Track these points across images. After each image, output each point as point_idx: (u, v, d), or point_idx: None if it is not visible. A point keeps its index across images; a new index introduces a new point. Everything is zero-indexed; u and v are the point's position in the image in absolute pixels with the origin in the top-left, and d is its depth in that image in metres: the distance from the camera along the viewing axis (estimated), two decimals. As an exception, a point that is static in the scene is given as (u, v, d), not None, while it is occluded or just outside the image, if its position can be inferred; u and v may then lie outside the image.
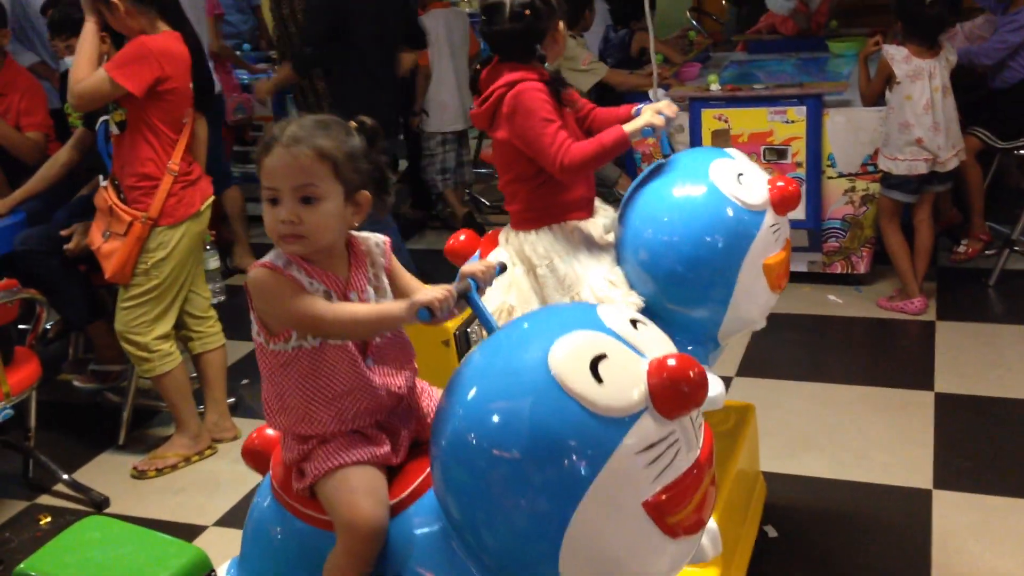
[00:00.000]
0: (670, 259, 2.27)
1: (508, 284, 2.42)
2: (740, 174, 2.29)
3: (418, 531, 1.64)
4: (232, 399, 3.81)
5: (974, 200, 4.64)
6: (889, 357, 4.00)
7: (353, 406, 1.71)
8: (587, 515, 1.41)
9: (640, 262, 2.33)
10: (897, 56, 4.03)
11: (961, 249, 4.75)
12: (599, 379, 1.42)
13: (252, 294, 1.69)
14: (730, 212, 2.24)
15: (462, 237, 2.71)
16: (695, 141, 4.51)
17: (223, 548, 2.05)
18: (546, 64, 2.47)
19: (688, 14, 6.86)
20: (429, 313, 1.57)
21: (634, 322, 1.54)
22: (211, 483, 3.41)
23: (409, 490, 1.69)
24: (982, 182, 4.64)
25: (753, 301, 2.33)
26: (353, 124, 1.71)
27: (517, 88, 2.34)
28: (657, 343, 1.52)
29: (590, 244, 2.42)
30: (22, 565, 1.90)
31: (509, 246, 2.48)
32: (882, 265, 4.53)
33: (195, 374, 3.68)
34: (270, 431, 1.93)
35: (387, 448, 1.72)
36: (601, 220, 2.48)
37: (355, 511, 1.63)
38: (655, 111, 2.37)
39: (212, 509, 3.24)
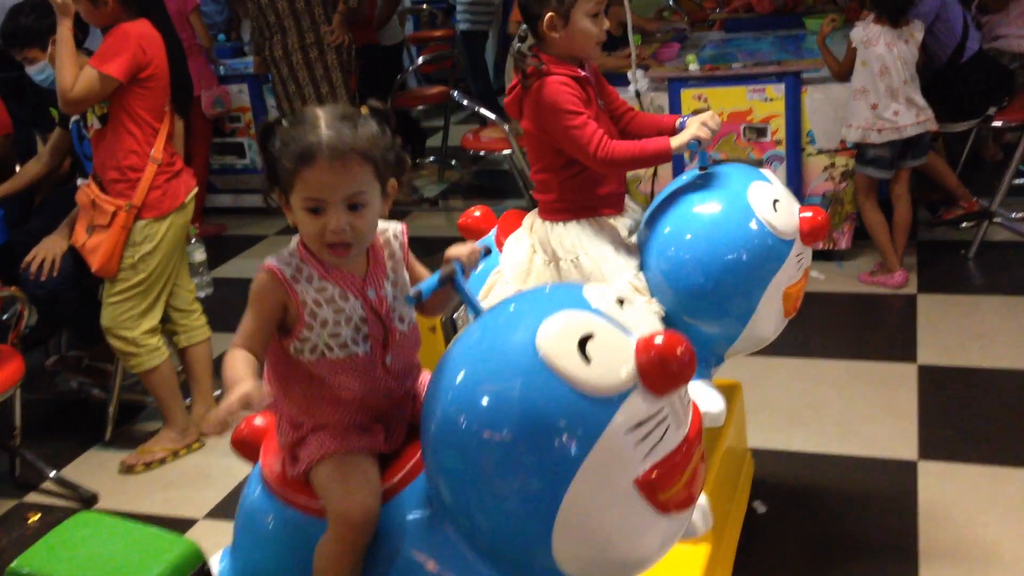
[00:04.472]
0: (697, 274, 2.25)
1: (526, 272, 2.38)
2: (776, 200, 2.27)
3: (411, 515, 1.64)
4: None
5: (944, 177, 4.64)
6: (872, 331, 4.03)
7: (359, 404, 1.70)
8: (579, 494, 1.42)
9: (664, 272, 2.30)
10: (858, 24, 4.10)
11: (939, 213, 4.76)
12: (587, 359, 1.42)
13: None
14: (764, 237, 2.23)
15: (477, 213, 2.66)
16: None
17: (215, 540, 2.04)
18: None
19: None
20: (416, 300, 1.58)
21: (620, 301, 1.54)
22: (200, 476, 3.40)
23: (401, 474, 1.69)
24: (944, 159, 4.64)
25: (767, 324, 2.35)
26: (364, 110, 1.64)
27: (541, 80, 2.28)
28: (644, 321, 1.52)
29: (617, 243, 2.37)
30: (14, 563, 1.89)
31: (534, 234, 2.42)
32: (863, 240, 4.55)
33: (181, 368, 3.67)
34: (259, 420, 1.94)
35: (381, 437, 1.73)
36: (627, 220, 2.43)
37: (348, 500, 1.63)
38: (701, 123, 2.29)
39: (202, 502, 3.23)
